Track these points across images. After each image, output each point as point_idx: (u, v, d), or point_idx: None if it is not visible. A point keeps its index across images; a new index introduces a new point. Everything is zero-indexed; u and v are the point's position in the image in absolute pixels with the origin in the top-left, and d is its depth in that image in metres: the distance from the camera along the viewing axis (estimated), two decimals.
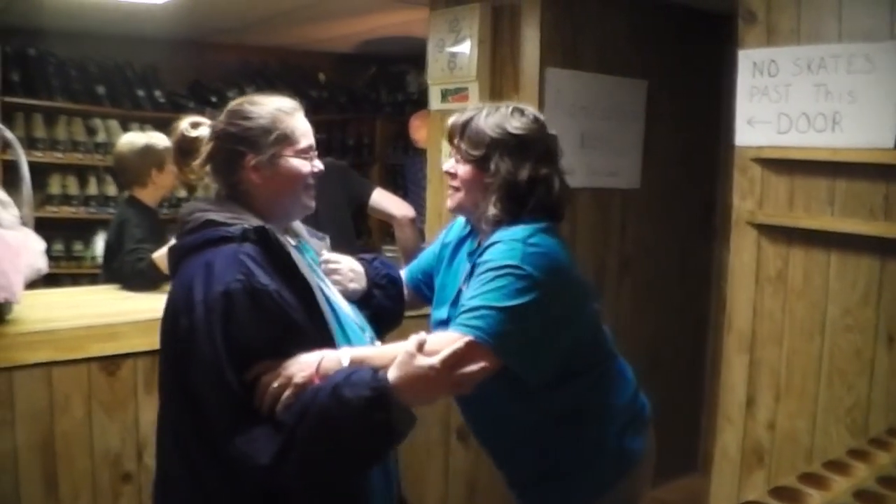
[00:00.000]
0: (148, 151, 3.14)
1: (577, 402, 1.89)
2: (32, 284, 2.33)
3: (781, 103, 2.38)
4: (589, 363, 1.90)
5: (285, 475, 1.40)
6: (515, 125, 1.81)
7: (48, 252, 2.44)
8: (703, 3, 3.52)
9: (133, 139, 3.24)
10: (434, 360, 1.42)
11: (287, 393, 1.44)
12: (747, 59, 2.48)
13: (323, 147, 6.23)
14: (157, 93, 5.28)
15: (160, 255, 2.73)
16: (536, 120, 1.85)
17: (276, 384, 1.45)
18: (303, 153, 1.67)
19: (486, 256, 1.73)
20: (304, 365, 1.47)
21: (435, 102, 3.59)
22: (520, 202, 1.79)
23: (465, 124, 1.84)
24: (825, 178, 2.32)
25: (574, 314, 1.82)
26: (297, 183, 1.67)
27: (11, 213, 2.38)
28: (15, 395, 2.22)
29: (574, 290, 1.82)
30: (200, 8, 4.29)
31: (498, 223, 1.79)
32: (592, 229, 3.46)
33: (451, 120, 1.89)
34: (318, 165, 1.72)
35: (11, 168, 3.90)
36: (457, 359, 1.45)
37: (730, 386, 2.61)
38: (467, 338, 1.56)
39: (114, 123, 5.15)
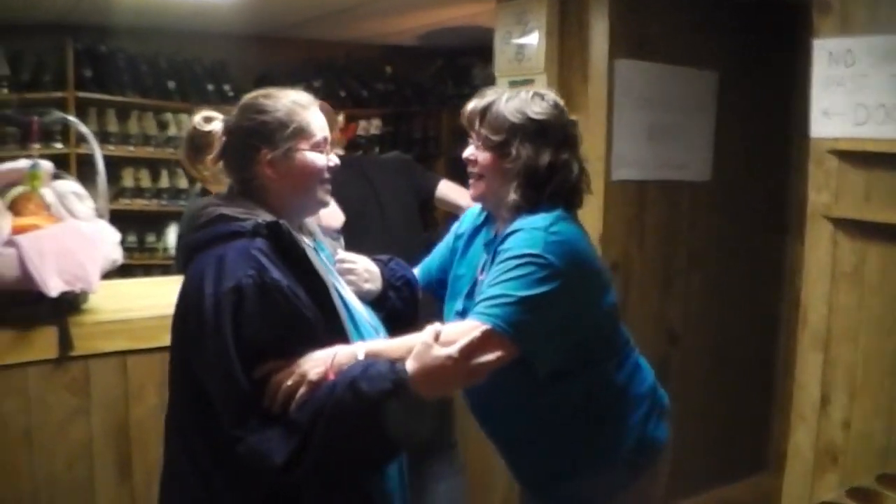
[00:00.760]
0: None
1: (594, 392, 1.83)
2: (107, 275, 2.38)
3: (858, 94, 2.31)
4: (607, 352, 1.85)
5: (300, 474, 1.36)
6: (536, 110, 1.78)
7: (122, 243, 2.49)
8: None
9: None
10: (452, 350, 1.40)
11: (301, 391, 1.40)
12: (823, 49, 2.40)
13: (389, 140, 6.21)
14: (226, 87, 5.35)
15: None
16: (557, 105, 1.82)
17: (289, 382, 1.41)
18: (318, 147, 1.63)
19: (506, 244, 1.71)
20: (318, 361, 1.44)
21: None
22: (539, 188, 1.76)
23: (486, 109, 1.81)
24: None
25: (594, 304, 1.78)
26: (313, 177, 1.63)
27: (87, 206, 2.45)
28: (91, 383, 2.28)
29: (594, 279, 1.79)
30: (266, 4, 4.35)
31: (518, 210, 1.76)
32: (661, 222, 3.40)
33: (470, 105, 1.85)
34: (334, 159, 1.68)
35: (87, 162, 4.03)
36: (474, 348, 1.43)
37: (803, 384, 2.55)
38: (485, 326, 1.54)
39: (184, 117, 5.22)
